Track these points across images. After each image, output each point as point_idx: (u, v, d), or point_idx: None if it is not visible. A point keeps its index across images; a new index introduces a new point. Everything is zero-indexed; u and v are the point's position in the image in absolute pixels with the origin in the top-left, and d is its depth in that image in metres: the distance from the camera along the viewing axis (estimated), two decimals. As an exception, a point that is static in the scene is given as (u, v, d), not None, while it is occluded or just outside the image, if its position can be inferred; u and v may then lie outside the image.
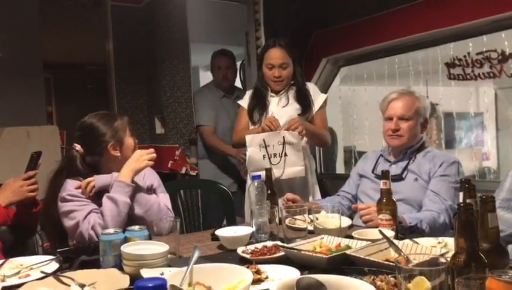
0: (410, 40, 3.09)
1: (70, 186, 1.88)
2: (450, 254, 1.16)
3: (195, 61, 4.38)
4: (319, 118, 2.74)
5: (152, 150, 1.94)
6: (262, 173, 2.12)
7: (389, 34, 3.14)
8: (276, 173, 2.52)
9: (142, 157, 1.88)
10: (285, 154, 2.54)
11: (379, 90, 3.51)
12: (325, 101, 2.78)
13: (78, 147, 1.96)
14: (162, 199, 2.00)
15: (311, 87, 2.80)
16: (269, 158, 2.55)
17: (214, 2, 4.12)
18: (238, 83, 4.07)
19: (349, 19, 3.38)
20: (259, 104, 2.75)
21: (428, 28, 2.90)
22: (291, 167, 2.55)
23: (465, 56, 2.95)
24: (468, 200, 1.26)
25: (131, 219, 1.83)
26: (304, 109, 2.70)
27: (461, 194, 1.33)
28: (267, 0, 3.69)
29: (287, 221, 1.73)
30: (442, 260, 1.02)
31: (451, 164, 2.14)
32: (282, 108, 2.71)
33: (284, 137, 2.52)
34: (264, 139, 2.55)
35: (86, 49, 5.27)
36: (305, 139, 2.65)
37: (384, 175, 1.77)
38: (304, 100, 2.72)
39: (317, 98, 2.75)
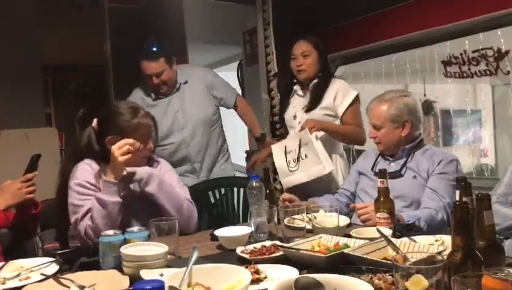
0: (406, 38, 3.10)
1: (79, 174, 1.87)
2: (447, 252, 1.17)
3: (192, 61, 4.39)
4: (349, 116, 2.69)
5: (122, 142, 1.82)
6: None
7: (385, 33, 3.15)
8: (298, 179, 2.54)
9: (121, 151, 1.80)
10: (305, 157, 2.54)
11: (376, 88, 3.51)
12: (358, 98, 2.70)
13: (95, 122, 1.96)
14: (184, 193, 2.01)
15: (339, 85, 2.74)
16: (287, 164, 2.58)
17: (210, 3, 4.12)
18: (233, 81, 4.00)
19: (345, 18, 3.39)
20: (284, 105, 2.86)
21: (425, 26, 2.91)
22: (310, 168, 2.53)
23: (461, 54, 2.97)
24: (464, 198, 1.27)
25: (160, 215, 1.80)
26: (314, 104, 2.70)
27: (458, 192, 1.34)
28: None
29: (285, 220, 1.73)
30: (438, 258, 1.03)
31: (450, 162, 2.15)
32: (306, 112, 2.72)
33: (300, 139, 2.54)
34: (285, 146, 2.61)
35: (84, 51, 5.27)
36: (320, 134, 2.61)
37: (382, 174, 1.78)
38: (315, 96, 2.71)
39: (346, 97, 2.69)
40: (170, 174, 2.07)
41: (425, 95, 3.95)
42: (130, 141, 1.84)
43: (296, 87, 2.83)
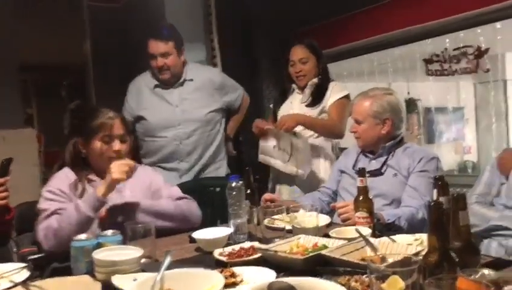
0: (387, 37, 3.10)
1: (53, 181, 1.87)
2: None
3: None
4: (333, 109, 2.71)
5: (124, 162, 1.83)
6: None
7: (367, 32, 3.15)
8: (276, 163, 2.65)
9: (119, 168, 1.79)
10: (291, 154, 2.62)
11: (359, 87, 3.51)
12: (347, 97, 2.72)
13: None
14: (175, 192, 2.03)
15: (333, 85, 2.79)
16: (279, 149, 2.64)
17: (191, 1, 4.09)
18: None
19: (327, 17, 3.38)
20: (279, 100, 2.90)
21: (405, 24, 2.92)
22: (294, 167, 2.62)
23: (442, 52, 2.98)
24: (441, 198, 1.26)
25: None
26: (313, 101, 2.74)
27: (435, 191, 1.33)
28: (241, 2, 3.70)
29: (265, 221, 1.71)
30: (414, 259, 1.02)
31: (430, 160, 2.15)
32: (305, 106, 2.75)
33: (291, 142, 2.61)
34: (275, 133, 2.66)
35: (64, 50, 5.19)
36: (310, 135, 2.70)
37: (361, 173, 1.76)
38: (316, 93, 2.74)
39: (335, 94, 2.74)
40: (154, 177, 2.06)
41: (409, 93, 3.97)
42: (131, 163, 1.84)
43: (293, 85, 2.85)
